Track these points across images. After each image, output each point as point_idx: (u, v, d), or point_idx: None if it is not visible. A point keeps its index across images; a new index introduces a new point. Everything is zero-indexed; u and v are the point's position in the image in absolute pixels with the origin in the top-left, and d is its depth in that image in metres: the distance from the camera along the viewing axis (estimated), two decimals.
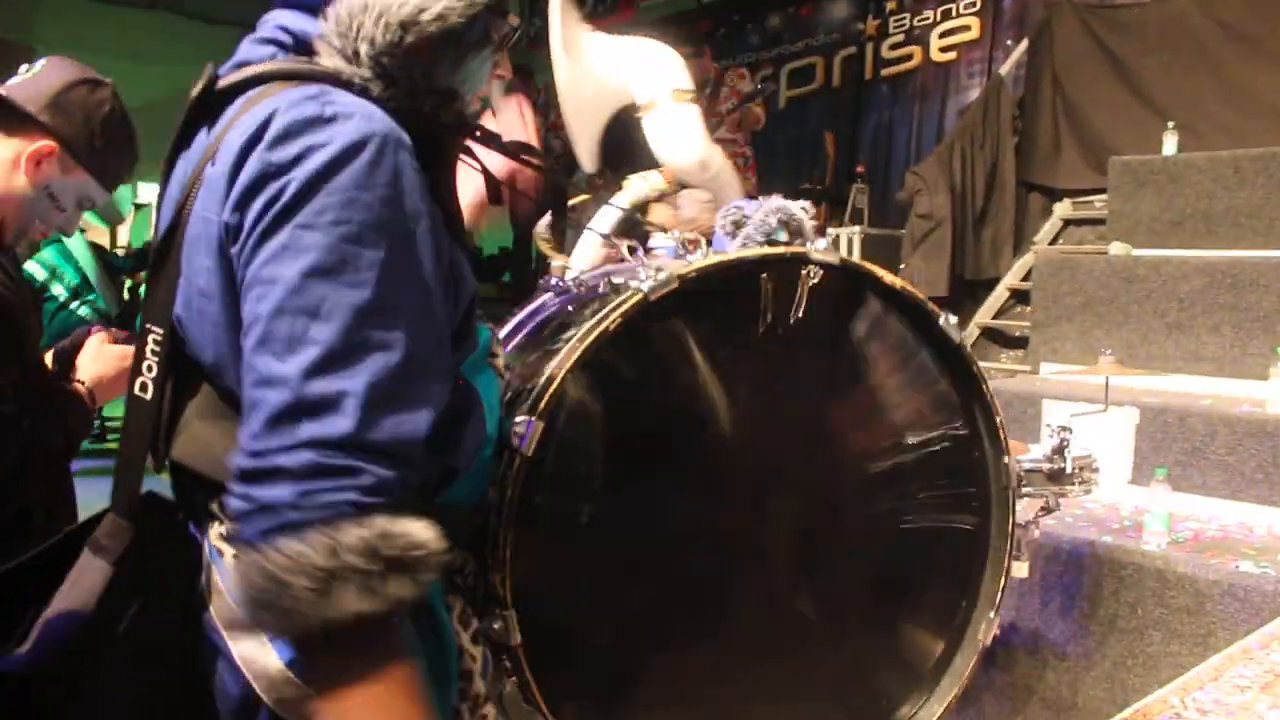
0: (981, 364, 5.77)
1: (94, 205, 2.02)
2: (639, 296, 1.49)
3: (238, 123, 1.13)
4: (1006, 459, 1.85)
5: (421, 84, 1.19)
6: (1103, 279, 4.71)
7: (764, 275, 1.68)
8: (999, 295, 5.91)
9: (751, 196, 6.85)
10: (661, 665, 1.56)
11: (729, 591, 1.59)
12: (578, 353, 1.42)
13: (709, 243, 2.11)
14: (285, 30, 1.22)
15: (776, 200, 2.75)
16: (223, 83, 1.21)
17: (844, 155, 8.66)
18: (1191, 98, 5.57)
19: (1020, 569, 2.86)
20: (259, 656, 1.17)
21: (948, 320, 1.77)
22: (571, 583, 1.42)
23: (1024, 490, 2.77)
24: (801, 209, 2.77)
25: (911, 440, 1.79)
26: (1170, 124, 5.36)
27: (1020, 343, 5.51)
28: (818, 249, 1.65)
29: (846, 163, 8.51)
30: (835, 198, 7.92)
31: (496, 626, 1.35)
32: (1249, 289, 4.27)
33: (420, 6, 1.16)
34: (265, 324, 1.04)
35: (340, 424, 1.01)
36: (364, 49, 1.15)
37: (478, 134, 1.36)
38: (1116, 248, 4.97)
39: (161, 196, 1.26)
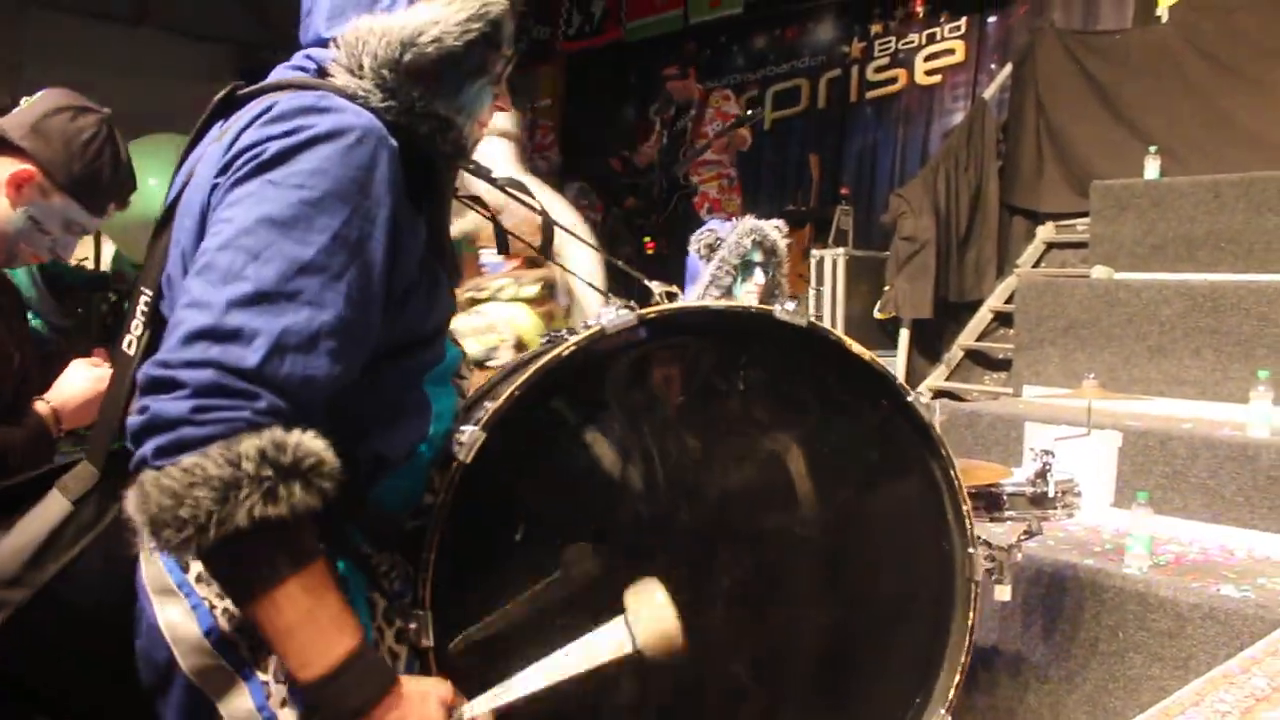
0: (964, 386, 5.80)
1: (85, 230, 2.03)
2: (597, 329, 1.48)
3: (244, 113, 1.25)
4: (972, 550, 1.75)
5: (420, 105, 1.26)
6: (1085, 302, 4.74)
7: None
8: (982, 318, 5.94)
9: (728, 218, 6.90)
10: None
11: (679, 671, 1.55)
12: (527, 374, 1.42)
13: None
14: (309, 58, 1.34)
15: (750, 221, 2.76)
16: (244, 90, 1.32)
17: (829, 177, 8.69)
18: (1172, 123, 5.62)
19: (1003, 592, 2.87)
20: (181, 624, 1.23)
21: (918, 397, 1.69)
22: (494, 597, 1.42)
23: (1007, 514, 2.79)
24: (775, 228, 2.78)
25: (871, 517, 1.75)
26: (1152, 149, 5.40)
27: (1003, 365, 5.54)
28: (785, 309, 1.57)
29: (831, 185, 8.55)
30: (820, 219, 7.95)
31: (412, 626, 1.34)
32: (1229, 313, 4.30)
33: (419, 30, 1.23)
34: (210, 255, 1.12)
35: (246, 356, 1.06)
36: (367, 62, 1.23)
37: (471, 166, 1.42)
38: (1099, 271, 5.01)
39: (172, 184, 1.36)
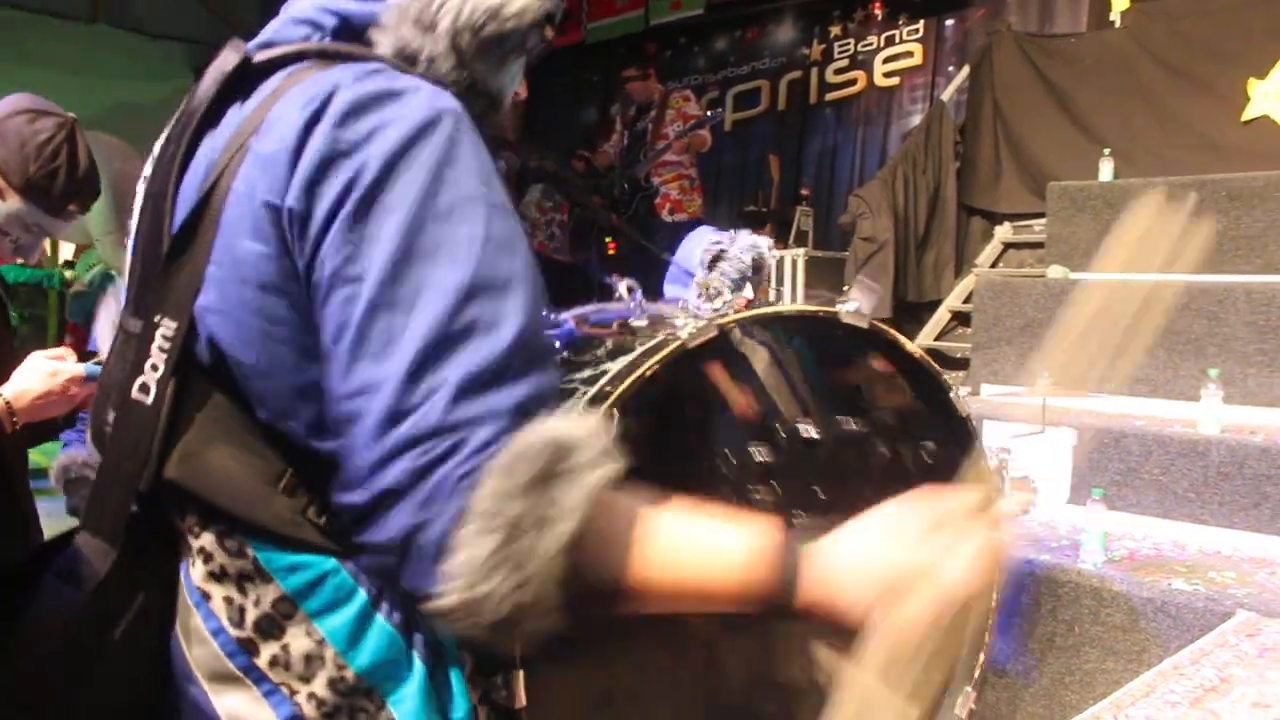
0: None
1: (46, 232, 2.02)
2: (677, 344, 1.47)
3: (287, 94, 1.02)
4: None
5: (480, 83, 1.12)
6: (1041, 302, 4.79)
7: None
8: (940, 317, 5.99)
9: (696, 219, 6.92)
10: None
11: (722, 655, 1.56)
12: (610, 399, 1.38)
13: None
14: (330, 12, 1.12)
15: (748, 237, 2.81)
16: (257, 59, 1.10)
17: (789, 178, 8.75)
18: (1126, 125, 5.70)
19: None
20: (249, 713, 1.06)
21: (958, 393, 1.80)
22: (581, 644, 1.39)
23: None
24: (769, 248, 2.85)
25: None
26: (1106, 150, 5.48)
27: (962, 364, 5.59)
28: (848, 310, 1.64)
29: (791, 185, 8.61)
30: (780, 220, 8.00)
31: (502, 689, 1.28)
32: (1181, 312, 4.37)
33: (504, 1, 1.09)
34: (358, 325, 0.93)
35: (429, 414, 0.90)
36: (446, 21, 1.07)
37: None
38: (1055, 271, 5.07)
39: (176, 182, 1.10)
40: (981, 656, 1.83)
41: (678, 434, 1.53)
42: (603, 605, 0.97)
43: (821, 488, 1.63)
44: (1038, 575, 3.30)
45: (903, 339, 1.76)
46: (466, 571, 0.88)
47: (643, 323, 1.62)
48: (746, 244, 2.67)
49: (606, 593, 0.95)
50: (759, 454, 1.56)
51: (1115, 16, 6.17)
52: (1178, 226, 1.21)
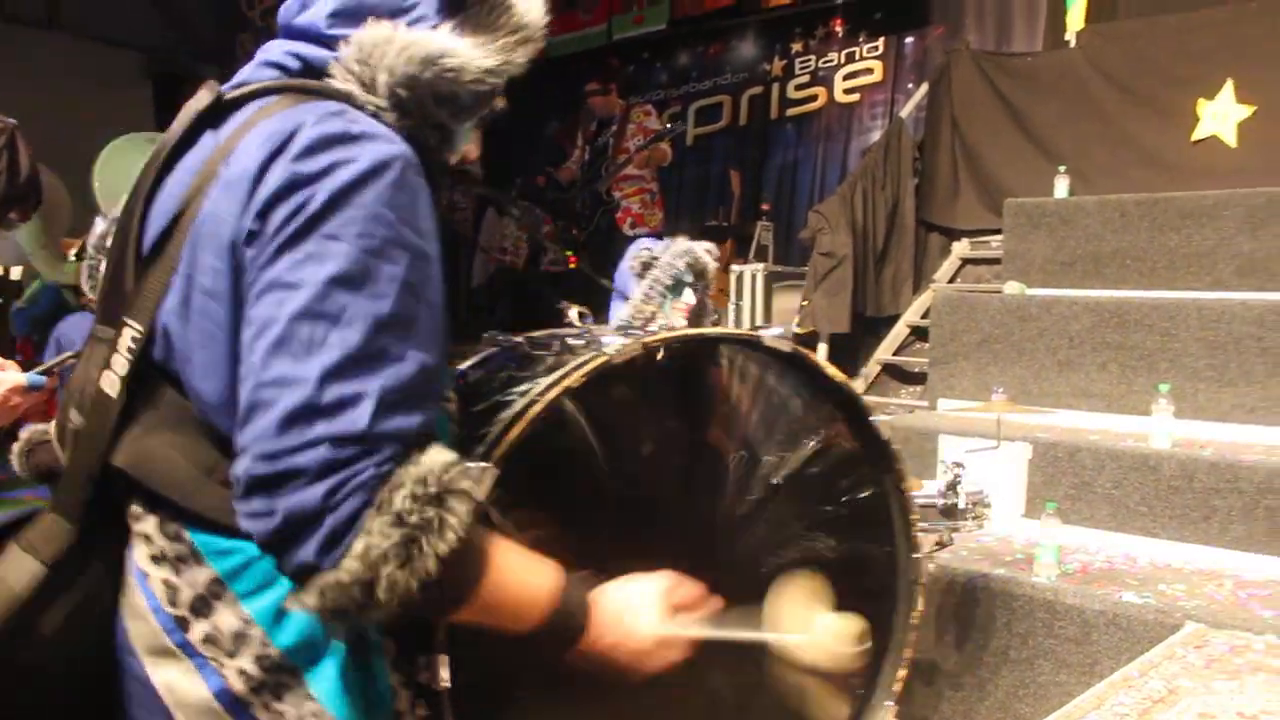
0: (881, 400, 5.88)
1: None
2: (603, 359, 1.51)
3: (256, 127, 1.15)
4: (916, 555, 1.90)
5: (429, 119, 1.21)
6: (998, 317, 4.85)
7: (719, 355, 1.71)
8: (899, 332, 6.04)
9: (657, 233, 6.93)
10: None
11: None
12: (536, 406, 1.43)
13: None
14: (295, 56, 1.24)
15: (683, 243, 2.80)
16: (230, 95, 1.22)
17: (749, 193, 8.80)
18: (1081, 143, 5.78)
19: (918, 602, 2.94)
20: (183, 686, 1.18)
21: (878, 418, 1.83)
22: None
23: (919, 526, 2.84)
24: (706, 251, 2.83)
25: (826, 526, 1.83)
26: (1061, 168, 5.55)
27: (919, 379, 5.64)
28: (771, 335, 1.69)
29: (752, 200, 8.66)
30: (740, 235, 8.04)
31: (425, 668, 1.33)
32: (1134, 328, 4.43)
33: (444, 51, 1.18)
34: (284, 326, 1.04)
35: (356, 421, 1.02)
36: (383, 77, 1.17)
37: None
38: (1011, 287, 5.12)
39: (148, 200, 1.22)
40: (902, 672, 1.86)
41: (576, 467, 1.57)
42: (443, 609, 1.15)
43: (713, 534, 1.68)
44: (992, 589, 3.34)
45: (824, 364, 1.78)
46: (365, 556, 1.00)
47: (582, 343, 1.65)
48: (680, 249, 2.68)
49: (454, 600, 1.11)
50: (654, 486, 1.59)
51: (1070, 37, 6.25)
52: None
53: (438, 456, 1.06)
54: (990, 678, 3.36)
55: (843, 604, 1.85)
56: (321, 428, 1.01)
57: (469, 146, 1.36)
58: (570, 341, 1.64)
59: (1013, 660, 3.31)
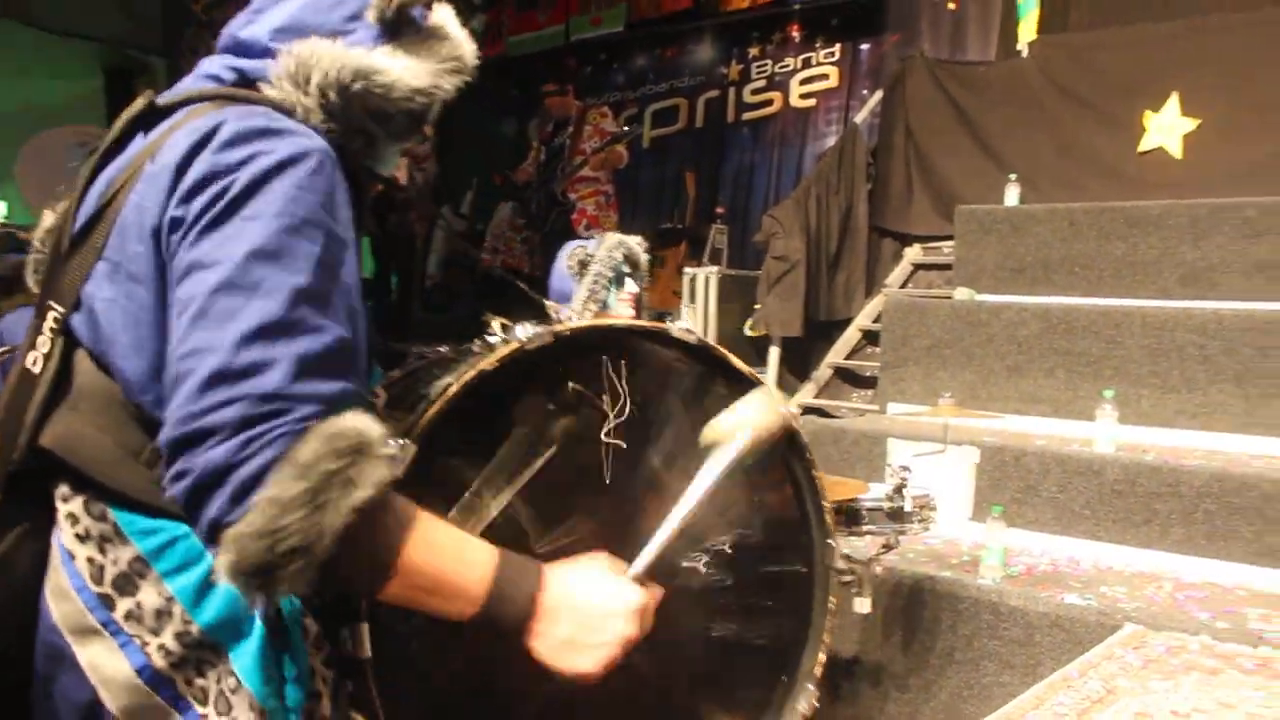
0: (832, 403, 5.91)
1: None
2: (515, 345, 1.54)
3: (183, 126, 1.21)
4: (831, 542, 1.94)
5: (355, 125, 1.28)
6: (947, 322, 4.90)
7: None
8: (850, 336, 6.09)
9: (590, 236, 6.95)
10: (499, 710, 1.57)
11: None
12: (454, 388, 1.47)
13: None
14: (231, 69, 1.30)
15: (615, 237, 2.84)
16: (162, 101, 1.28)
17: (705, 196, 8.84)
18: (1032, 152, 5.86)
19: (863, 605, 2.96)
20: (107, 663, 1.20)
21: (790, 409, 1.85)
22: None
23: (866, 529, 2.87)
24: (638, 243, 2.87)
25: (743, 519, 1.85)
26: (1012, 176, 5.62)
27: (870, 383, 5.68)
28: (678, 327, 1.71)
29: (707, 203, 8.69)
30: (695, 237, 8.07)
31: (347, 639, 1.34)
32: (1080, 335, 4.50)
33: (376, 68, 1.26)
34: (203, 300, 1.08)
35: (271, 379, 1.05)
36: (315, 80, 1.23)
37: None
38: (961, 293, 5.18)
39: (81, 197, 1.28)
40: (822, 656, 1.91)
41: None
42: (367, 578, 1.13)
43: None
44: (938, 591, 3.37)
45: (733, 357, 1.80)
46: (272, 505, 1.02)
47: (499, 340, 1.67)
48: (612, 243, 2.73)
49: (374, 566, 1.11)
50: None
51: (1023, 47, 6.34)
52: None
53: (358, 419, 1.09)
54: (935, 679, 3.39)
55: (760, 591, 1.90)
56: (238, 387, 1.04)
57: (397, 171, 1.40)
58: (490, 339, 1.67)
59: (958, 661, 3.34)
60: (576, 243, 2.93)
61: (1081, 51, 5.88)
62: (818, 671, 1.91)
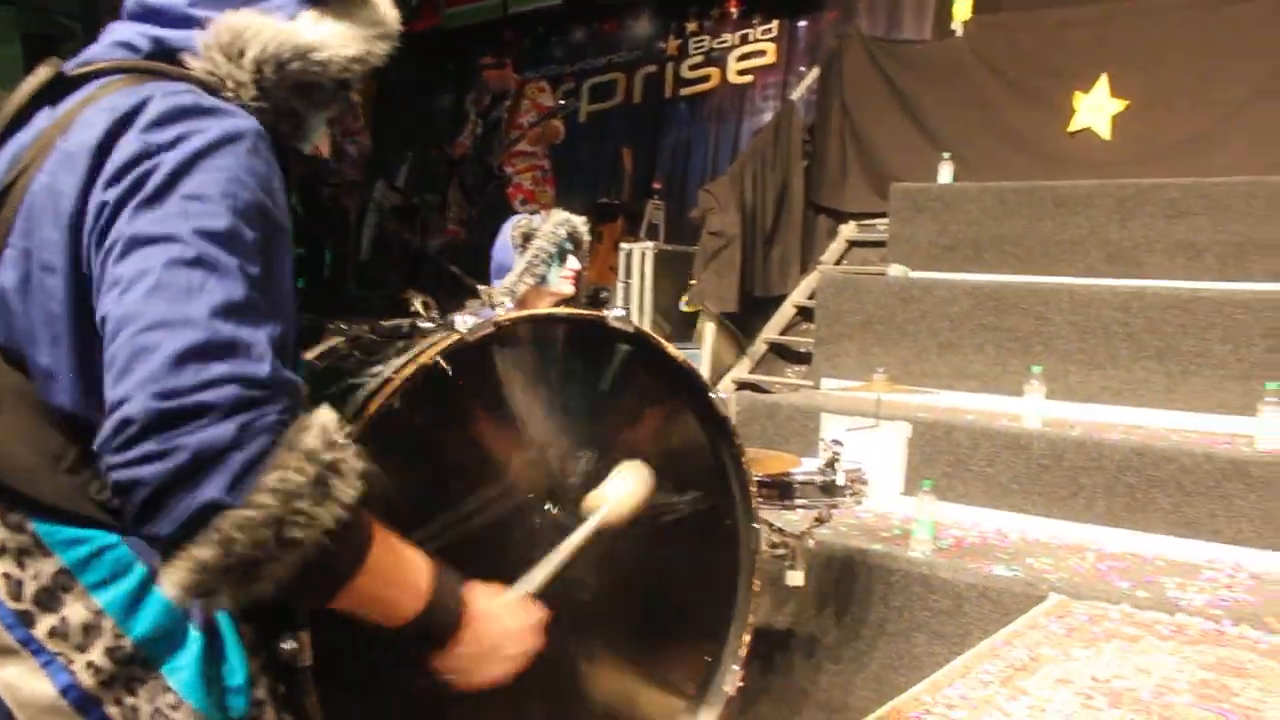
0: (767, 379, 5.95)
1: None
2: (457, 336, 1.53)
3: (97, 101, 1.13)
4: (756, 525, 1.97)
5: (285, 107, 1.22)
6: (881, 299, 4.96)
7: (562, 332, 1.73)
8: (786, 312, 6.12)
9: (548, 210, 6.92)
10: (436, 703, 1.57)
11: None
12: (394, 384, 1.45)
13: None
14: (148, 37, 1.21)
15: (561, 214, 2.85)
16: (71, 72, 1.19)
17: (642, 171, 8.82)
18: (965, 131, 5.92)
19: (796, 578, 3.01)
20: (25, 685, 1.12)
21: (717, 391, 1.89)
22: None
23: (799, 503, 2.92)
24: (583, 222, 2.89)
25: (670, 503, 1.88)
26: (945, 155, 5.69)
27: (805, 358, 5.73)
28: (615, 316, 1.73)
29: (644, 179, 8.68)
30: (632, 213, 8.06)
31: (288, 647, 1.31)
32: (1010, 312, 4.58)
33: (313, 45, 1.20)
34: (160, 274, 1.01)
35: (261, 368, 1.01)
36: (252, 51, 1.17)
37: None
38: (895, 270, 5.24)
39: None
40: (747, 637, 1.95)
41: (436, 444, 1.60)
42: (336, 578, 1.08)
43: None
44: (870, 564, 3.43)
45: (666, 343, 1.83)
46: (280, 490, 0.98)
47: (433, 326, 1.67)
48: (559, 219, 2.75)
49: (350, 564, 1.08)
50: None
51: (956, 26, 6.39)
52: None
53: (328, 412, 1.07)
54: (867, 650, 3.46)
55: (687, 572, 1.93)
56: (224, 367, 0.99)
57: (320, 143, 1.37)
58: (421, 325, 1.66)
59: (889, 633, 3.41)
60: (522, 215, 2.94)
61: (1013, 32, 5.95)
62: (743, 652, 1.95)
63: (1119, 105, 5.45)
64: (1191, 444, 3.64)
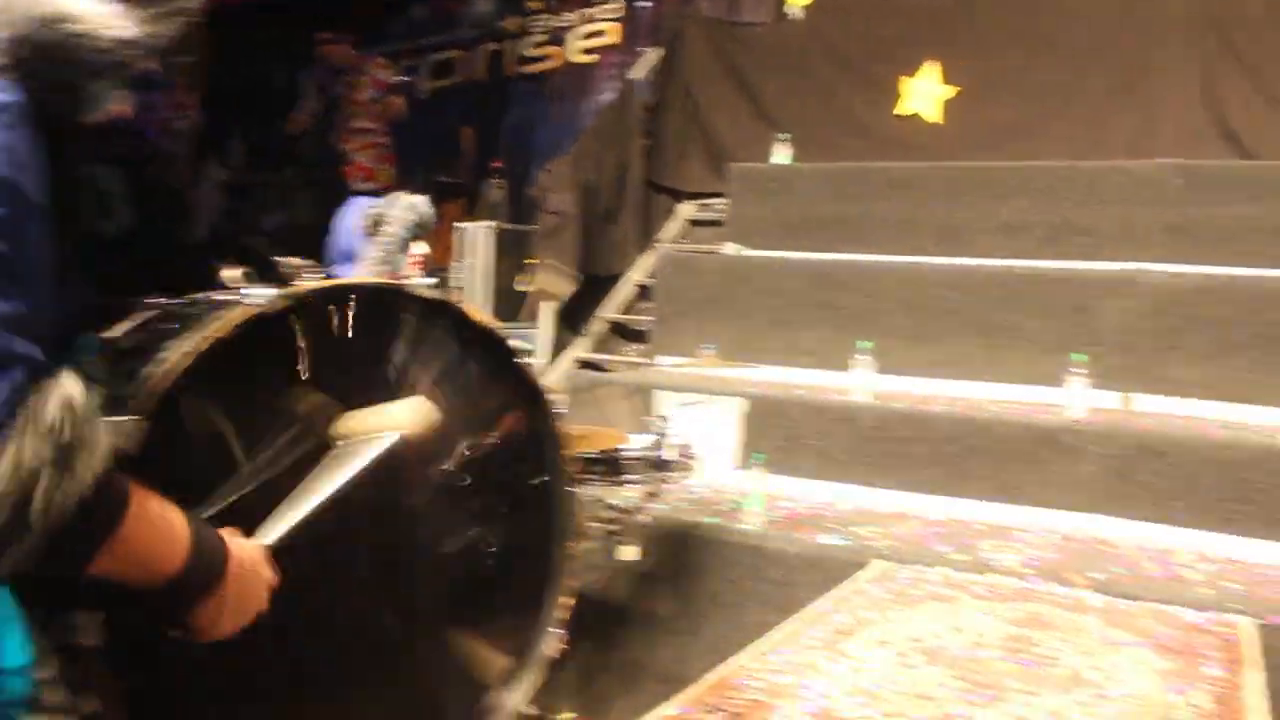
0: (607, 357, 5.97)
1: None
2: (253, 311, 1.51)
3: None
4: (571, 489, 1.99)
5: (55, 80, 1.17)
6: (717, 278, 5.03)
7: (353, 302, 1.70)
8: (625, 291, 6.15)
9: (388, 188, 6.81)
10: (243, 673, 1.54)
11: (313, 605, 1.59)
12: (190, 361, 1.43)
13: None
14: None
15: (408, 198, 2.81)
16: None
17: (482, 150, 8.74)
18: (801, 112, 6.05)
19: (631, 553, 3.03)
20: None
21: (526, 361, 1.90)
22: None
23: (630, 478, 2.94)
24: (428, 205, 2.86)
25: (484, 471, 1.87)
26: (782, 136, 5.79)
27: (645, 337, 5.77)
28: (417, 284, 1.72)
29: (485, 158, 8.60)
30: (472, 192, 7.99)
31: (75, 625, 1.31)
32: (841, 289, 4.70)
33: (68, 15, 1.15)
34: None
35: None
36: (3, 32, 1.12)
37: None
38: (730, 248, 5.32)
39: None
40: (567, 600, 1.98)
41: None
42: (94, 544, 1.07)
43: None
44: (704, 537, 3.48)
45: (472, 310, 1.83)
46: (18, 465, 0.97)
47: (231, 299, 1.64)
48: (406, 204, 2.71)
49: (106, 525, 1.07)
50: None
51: (791, 8, 6.50)
52: None
53: (75, 384, 1.05)
54: (702, 622, 3.50)
55: (507, 537, 1.93)
56: None
57: (117, 106, 1.30)
58: (218, 298, 1.63)
59: (723, 604, 3.46)
60: (367, 201, 2.89)
61: (846, 15, 6.11)
62: (562, 616, 1.96)
63: (951, 91, 5.65)
64: (1008, 414, 3.80)
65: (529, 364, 1.90)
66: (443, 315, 1.78)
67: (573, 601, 1.99)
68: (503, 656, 1.92)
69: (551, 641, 1.94)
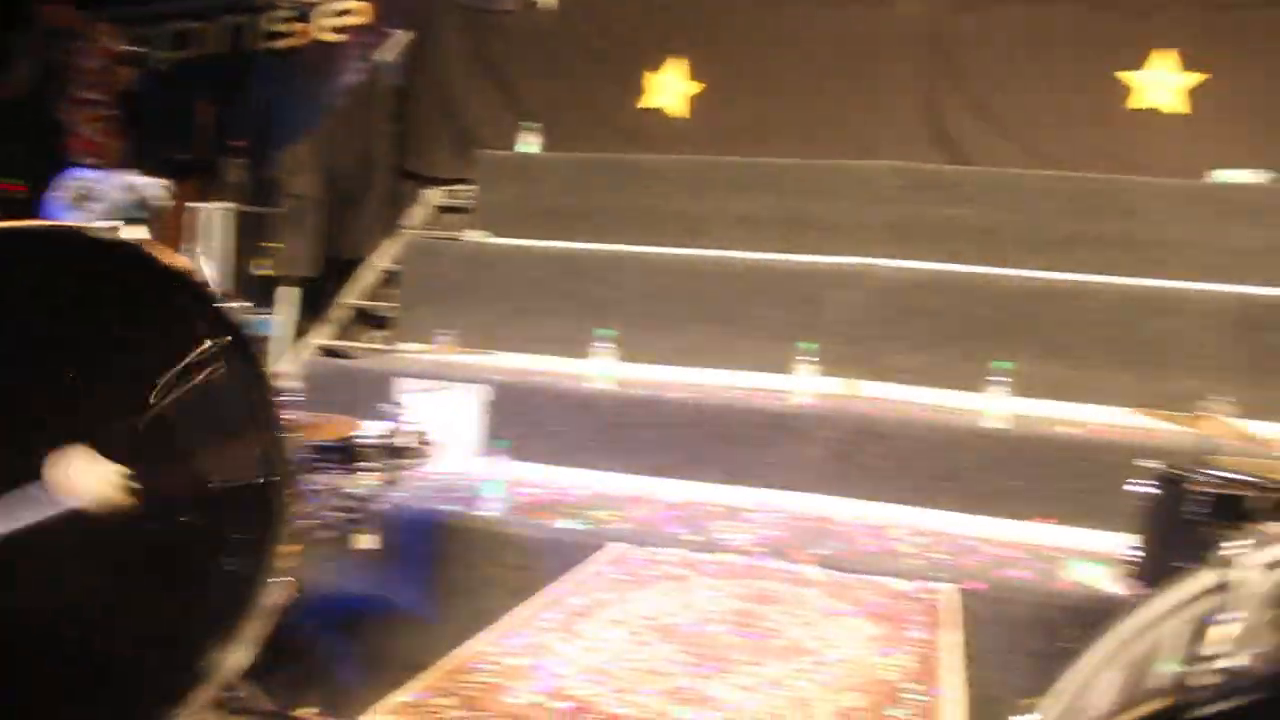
0: (351, 344, 5.84)
1: None
2: None
3: None
4: (281, 435, 1.91)
5: None
6: (461, 264, 5.02)
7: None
8: (369, 277, 6.03)
9: (115, 165, 6.40)
10: None
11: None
12: None
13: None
14: None
15: (126, 177, 2.64)
16: None
17: (223, 128, 8.35)
18: (551, 101, 6.08)
19: (369, 541, 2.99)
20: None
21: (229, 305, 1.79)
22: None
23: (365, 466, 2.89)
24: (155, 185, 2.69)
25: (188, 416, 1.79)
26: (530, 124, 5.81)
27: (389, 323, 5.68)
28: (99, 226, 1.61)
29: (225, 136, 8.22)
30: (210, 171, 7.62)
31: None
32: (585, 277, 4.78)
33: None
34: None
35: None
36: None
37: None
38: (475, 235, 5.31)
39: None
40: (296, 547, 1.96)
41: None
42: None
43: None
44: (445, 524, 3.47)
45: (157, 253, 1.73)
46: None
47: None
48: (121, 183, 2.54)
49: None
50: None
51: None
52: None
53: None
54: (444, 609, 3.49)
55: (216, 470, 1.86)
56: None
57: None
58: None
59: (464, 590, 3.46)
60: (75, 174, 2.69)
61: (599, 8, 6.16)
62: (291, 564, 1.90)
63: (697, 87, 5.80)
64: (741, 399, 3.97)
65: (229, 306, 1.79)
66: (128, 260, 1.67)
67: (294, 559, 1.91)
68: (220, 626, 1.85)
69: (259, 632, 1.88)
